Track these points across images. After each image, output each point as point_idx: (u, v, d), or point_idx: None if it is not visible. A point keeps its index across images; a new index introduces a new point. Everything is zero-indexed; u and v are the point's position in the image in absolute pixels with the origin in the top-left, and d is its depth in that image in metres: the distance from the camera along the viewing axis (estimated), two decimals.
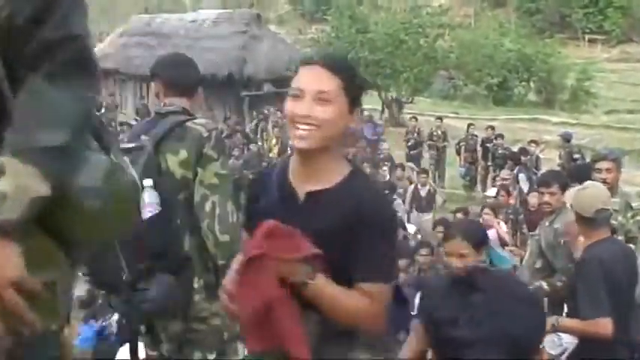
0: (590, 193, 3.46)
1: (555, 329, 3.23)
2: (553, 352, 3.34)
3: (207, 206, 2.51)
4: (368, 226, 1.60)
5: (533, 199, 6.67)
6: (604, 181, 4.28)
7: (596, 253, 3.28)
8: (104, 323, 6.29)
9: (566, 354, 3.34)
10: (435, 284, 1.29)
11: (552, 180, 4.54)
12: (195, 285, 2.57)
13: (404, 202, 9.71)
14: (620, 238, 4.16)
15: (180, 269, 2.52)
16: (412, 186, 10.06)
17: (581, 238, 3.55)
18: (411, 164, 12.16)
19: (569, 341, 3.32)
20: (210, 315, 2.61)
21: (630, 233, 4.40)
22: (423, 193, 9.90)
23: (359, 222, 1.60)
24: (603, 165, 4.51)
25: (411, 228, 8.59)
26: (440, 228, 6.87)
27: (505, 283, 1.23)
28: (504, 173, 10.25)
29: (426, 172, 10.82)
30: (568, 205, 3.76)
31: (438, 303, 1.20)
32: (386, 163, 12.03)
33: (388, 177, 11.05)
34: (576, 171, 5.50)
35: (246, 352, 2.16)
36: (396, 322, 2.51)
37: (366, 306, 1.60)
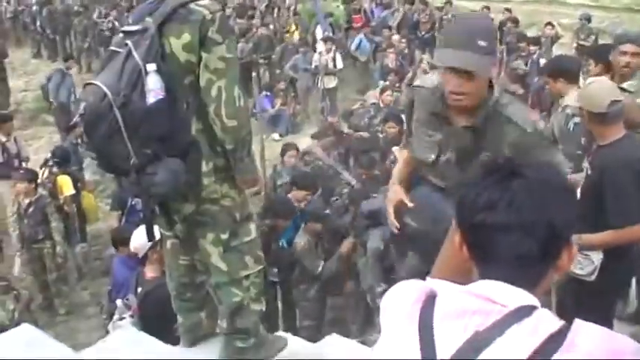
0: (598, 87, 3.34)
1: (580, 248, 2.98)
2: (583, 273, 3.22)
3: (214, 91, 2.49)
4: None
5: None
6: (627, 65, 4.15)
7: (620, 155, 3.16)
8: (133, 202, 6.50)
9: (596, 272, 3.23)
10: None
11: None
12: (205, 168, 2.60)
13: None
14: None
15: (188, 153, 2.54)
16: None
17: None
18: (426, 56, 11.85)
19: (596, 258, 3.22)
20: (221, 196, 2.66)
21: None
22: None
23: None
24: (629, 48, 4.25)
25: None
26: None
27: (544, 171, 1.21)
28: (515, 64, 9.92)
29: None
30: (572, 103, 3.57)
31: (476, 188, 1.19)
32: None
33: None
34: (595, 52, 5.18)
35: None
36: None
37: None
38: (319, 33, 12.67)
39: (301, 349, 3.17)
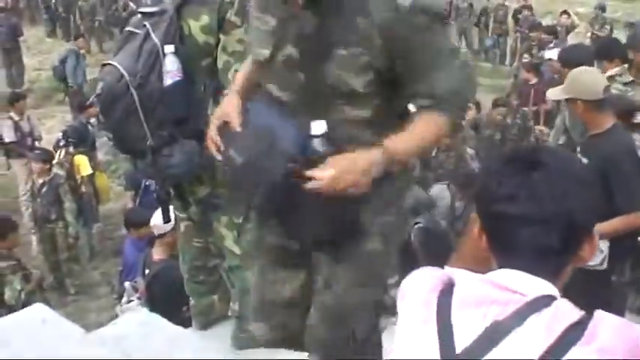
0: (591, 76, 3.35)
1: None
2: (593, 263, 3.13)
3: (231, 74, 2.47)
4: None
5: None
6: None
7: (621, 141, 3.17)
8: (147, 182, 6.54)
9: (606, 260, 3.21)
10: (495, 160, 1.26)
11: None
12: None
13: None
14: None
15: (204, 135, 2.53)
16: None
17: None
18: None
19: (605, 246, 3.20)
20: None
21: None
22: None
23: None
24: None
25: None
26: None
27: (567, 162, 1.20)
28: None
29: None
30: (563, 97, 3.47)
31: (497, 178, 1.17)
32: None
33: None
34: (609, 49, 4.92)
35: None
36: None
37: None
38: None
39: None
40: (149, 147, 2.48)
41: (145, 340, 2.61)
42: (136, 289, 4.08)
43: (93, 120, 8.64)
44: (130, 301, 4.06)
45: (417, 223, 4.85)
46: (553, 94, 3.65)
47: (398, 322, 1.24)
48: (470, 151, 6.55)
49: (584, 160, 3.30)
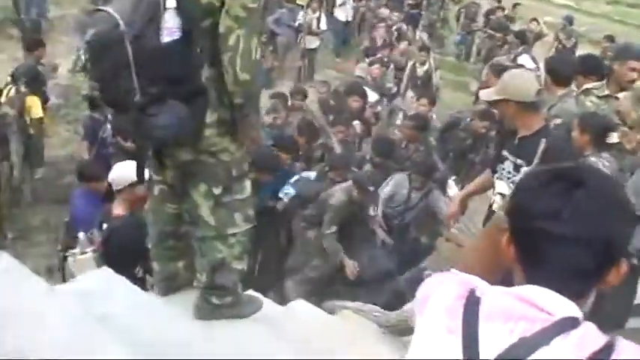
0: (525, 77, 3.40)
1: None
2: None
3: (232, 39, 2.39)
4: None
5: None
6: (633, 81, 4.18)
7: (549, 142, 3.24)
8: (104, 134, 6.33)
9: None
10: (536, 175, 1.23)
11: None
12: (208, 119, 2.50)
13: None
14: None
15: (194, 99, 2.44)
16: (411, 63, 9.72)
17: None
18: (423, 35, 11.64)
19: None
20: (221, 150, 2.57)
21: None
22: (420, 72, 9.58)
23: None
24: (638, 65, 4.30)
25: None
26: None
27: (608, 183, 1.19)
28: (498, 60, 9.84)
29: (426, 49, 10.11)
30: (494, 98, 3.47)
31: (538, 194, 1.16)
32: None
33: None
34: (592, 64, 4.89)
35: None
36: None
37: None
38: None
39: (272, 311, 3.14)
40: (135, 103, 2.37)
41: (108, 301, 2.53)
42: (91, 242, 3.95)
43: (44, 61, 8.35)
44: (83, 253, 3.92)
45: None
46: (485, 94, 3.66)
47: (418, 326, 1.21)
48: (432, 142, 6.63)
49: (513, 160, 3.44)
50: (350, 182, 5.11)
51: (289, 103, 7.32)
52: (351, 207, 5.05)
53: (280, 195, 5.32)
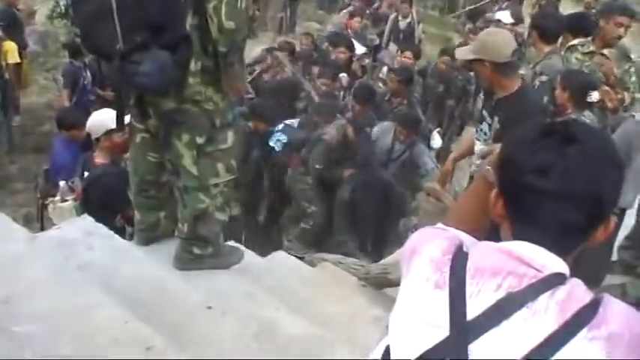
0: (500, 38, 3.30)
1: None
2: None
3: None
4: None
5: None
6: (619, 37, 4.14)
7: (527, 103, 3.20)
8: (85, 82, 6.21)
9: None
10: (527, 130, 1.21)
11: None
12: (192, 67, 2.47)
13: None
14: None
15: (178, 47, 2.40)
16: (393, 15, 9.53)
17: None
18: None
19: None
20: (204, 99, 2.55)
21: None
22: (402, 25, 9.43)
23: None
24: (625, 21, 4.21)
25: None
26: None
27: (602, 140, 1.17)
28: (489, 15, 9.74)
29: (409, 1, 9.68)
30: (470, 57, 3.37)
31: (530, 149, 1.13)
32: None
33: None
34: (580, 22, 4.91)
35: None
36: None
37: None
38: None
39: (252, 262, 3.15)
40: (118, 50, 2.33)
41: (89, 250, 2.52)
42: (72, 190, 3.92)
43: (20, 6, 8.13)
44: (64, 201, 3.90)
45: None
46: (461, 53, 3.57)
47: (405, 280, 1.21)
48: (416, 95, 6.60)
49: (496, 123, 3.37)
50: (343, 120, 5.06)
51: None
52: (343, 149, 5.01)
53: (271, 143, 5.25)
